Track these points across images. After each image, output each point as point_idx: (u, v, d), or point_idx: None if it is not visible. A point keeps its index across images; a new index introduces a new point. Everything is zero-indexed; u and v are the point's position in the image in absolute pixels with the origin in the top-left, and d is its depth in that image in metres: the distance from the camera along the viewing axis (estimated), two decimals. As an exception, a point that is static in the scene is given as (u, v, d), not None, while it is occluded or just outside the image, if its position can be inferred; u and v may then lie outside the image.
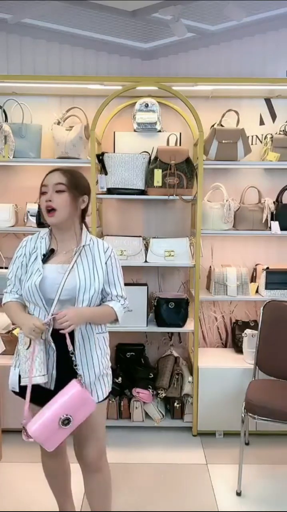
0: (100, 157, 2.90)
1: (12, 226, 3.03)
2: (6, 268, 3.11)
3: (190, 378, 3.02)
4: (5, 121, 2.98)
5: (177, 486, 2.52)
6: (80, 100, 3.14)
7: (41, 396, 1.80)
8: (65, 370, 1.79)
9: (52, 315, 1.76)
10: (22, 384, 1.80)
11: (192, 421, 3.02)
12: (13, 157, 2.90)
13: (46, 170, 3.26)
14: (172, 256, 2.93)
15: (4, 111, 3.00)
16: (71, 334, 1.77)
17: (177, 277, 3.34)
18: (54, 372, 1.81)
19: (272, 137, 2.99)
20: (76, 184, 1.82)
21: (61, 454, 2.03)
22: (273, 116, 3.21)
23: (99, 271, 1.83)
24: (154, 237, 3.01)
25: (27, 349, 1.78)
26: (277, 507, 2.36)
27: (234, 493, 2.46)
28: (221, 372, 2.94)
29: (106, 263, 1.86)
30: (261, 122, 3.22)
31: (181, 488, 2.51)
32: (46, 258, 1.82)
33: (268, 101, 3.20)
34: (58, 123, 3.01)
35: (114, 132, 3.16)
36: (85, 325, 1.81)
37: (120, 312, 1.90)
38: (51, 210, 1.79)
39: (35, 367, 1.75)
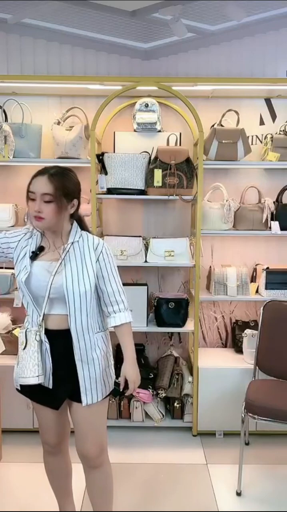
0: (100, 157, 2.90)
1: (12, 226, 3.03)
2: (7, 268, 3.12)
3: (190, 378, 3.02)
4: (5, 121, 2.98)
5: (177, 486, 2.52)
6: (80, 100, 3.14)
7: (40, 394, 1.84)
8: (62, 368, 1.81)
9: (117, 383, 1.88)
10: (19, 383, 1.83)
11: (192, 421, 3.02)
12: (13, 157, 2.90)
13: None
14: (172, 256, 2.93)
15: (4, 111, 3.00)
16: (68, 336, 1.78)
17: (177, 277, 3.34)
18: (51, 372, 1.81)
19: (272, 137, 2.99)
20: (64, 192, 1.78)
21: (63, 453, 2.04)
22: (273, 116, 3.21)
23: (89, 268, 1.81)
24: (154, 237, 3.01)
25: (23, 349, 1.79)
26: (277, 507, 2.36)
27: (234, 493, 2.46)
28: (221, 372, 2.94)
29: (97, 260, 1.83)
30: (261, 122, 3.22)
31: (181, 488, 2.51)
32: (35, 255, 1.81)
33: (268, 101, 3.20)
34: (58, 123, 3.01)
35: (114, 132, 3.16)
36: (82, 325, 1.80)
37: (129, 317, 1.89)
38: (38, 218, 1.77)
39: (29, 368, 1.77)
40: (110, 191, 2.95)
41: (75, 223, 1.89)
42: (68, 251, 1.81)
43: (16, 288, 3.04)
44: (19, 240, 1.88)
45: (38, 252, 1.82)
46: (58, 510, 2.13)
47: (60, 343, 1.80)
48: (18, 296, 2.97)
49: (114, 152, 3.13)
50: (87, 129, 2.93)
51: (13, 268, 3.09)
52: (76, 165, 3.10)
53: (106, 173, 2.91)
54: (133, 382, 1.86)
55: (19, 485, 2.52)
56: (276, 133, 3.04)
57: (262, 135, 3.20)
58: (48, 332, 1.80)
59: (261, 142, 3.20)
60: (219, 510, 2.34)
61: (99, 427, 1.91)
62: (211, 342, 3.38)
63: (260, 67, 3.16)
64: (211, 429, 3.01)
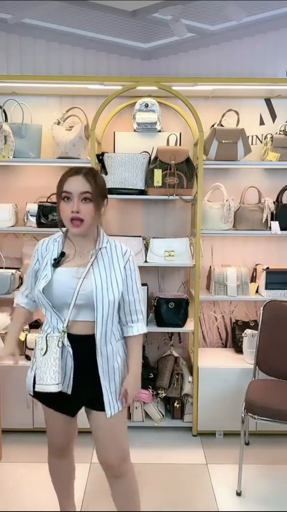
0: (100, 157, 2.90)
1: (12, 226, 3.03)
2: (7, 268, 3.12)
3: (190, 378, 3.02)
4: (5, 121, 2.98)
5: (177, 486, 2.52)
6: (80, 100, 3.14)
7: (57, 400, 1.78)
8: (83, 374, 1.76)
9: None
10: (36, 390, 1.75)
11: (192, 421, 3.02)
12: (13, 157, 2.90)
13: (46, 170, 3.30)
14: (172, 256, 2.93)
15: (4, 111, 3.00)
16: (91, 341, 1.73)
17: (177, 277, 3.34)
18: (72, 376, 1.76)
19: (272, 137, 2.99)
20: (100, 191, 1.73)
21: (67, 454, 2.01)
22: (273, 116, 3.21)
23: (117, 275, 1.76)
24: (154, 237, 3.01)
25: (43, 355, 1.72)
26: (277, 507, 2.36)
27: (234, 493, 2.46)
28: (221, 372, 2.94)
29: (125, 267, 1.78)
30: (261, 122, 3.22)
31: (181, 488, 2.51)
32: (57, 262, 1.75)
33: (268, 101, 3.20)
34: (58, 123, 3.01)
35: (114, 132, 3.16)
36: (106, 333, 1.75)
37: (145, 328, 1.86)
38: (77, 220, 1.69)
39: (49, 375, 1.70)
40: (110, 191, 2.93)
41: (100, 228, 1.83)
42: (96, 256, 1.75)
43: (17, 287, 3.04)
44: (37, 259, 1.83)
45: (60, 259, 1.76)
46: (58, 510, 2.12)
47: (83, 348, 1.74)
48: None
49: (114, 152, 3.13)
50: (87, 129, 2.93)
51: (13, 268, 3.14)
52: (76, 165, 3.09)
53: (106, 173, 2.91)
54: (132, 397, 1.83)
55: (19, 485, 2.52)
56: (276, 133, 3.04)
57: (262, 135, 3.20)
58: (70, 336, 1.74)
59: (261, 142, 3.20)
60: (219, 510, 2.34)
61: (121, 436, 1.86)
62: (211, 342, 3.38)
63: (260, 67, 3.16)
64: (211, 429, 3.01)
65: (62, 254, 1.77)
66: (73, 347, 1.74)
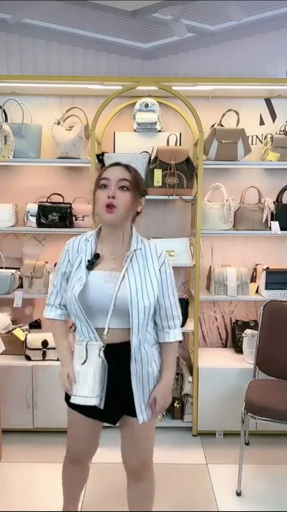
0: (100, 157, 2.90)
1: (12, 226, 3.03)
2: (7, 268, 3.12)
3: (190, 378, 3.02)
4: (5, 121, 2.98)
5: (177, 486, 2.52)
6: (80, 100, 3.14)
7: (96, 409, 1.68)
8: (118, 382, 1.68)
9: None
10: (72, 401, 1.65)
11: (192, 421, 3.02)
12: (13, 157, 2.90)
13: (46, 170, 3.30)
14: (172, 256, 2.93)
15: (4, 111, 3.00)
16: (123, 349, 1.65)
17: (177, 277, 3.34)
18: (105, 390, 1.67)
19: (272, 137, 2.99)
20: (139, 183, 1.68)
21: (85, 464, 1.95)
22: (273, 116, 3.21)
23: (152, 278, 1.66)
24: (154, 237, 3.01)
25: (82, 364, 1.61)
26: (277, 507, 2.36)
27: (234, 493, 2.46)
28: (221, 372, 2.94)
29: (160, 270, 1.69)
30: (261, 122, 3.22)
31: (181, 488, 2.51)
32: (91, 264, 1.64)
33: (268, 101, 3.20)
34: (58, 123, 3.01)
35: (114, 132, 3.16)
36: (141, 339, 1.66)
37: (181, 334, 1.78)
38: (111, 206, 1.61)
39: (89, 386, 1.60)
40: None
41: (134, 229, 1.74)
42: (131, 260, 1.66)
43: (17, 287, 3.04)
44: (68, 260, 1.72)
45: (94, 260, 1.66)
46: (58, 510, 2.12)
47: (117, 356, 1.65)
48: (18, 296, 2.97)
49: (114, 152, 3.12)
50: (87, 129, 2.93)
51: (13, 268, 3.14)
52: (76, 165, 3.11)
53: (106, 173, 2.90)
54: (161, 407, 1.74)
55: (19, 485, 2.52)
56: (276, 133, 3.04)
57: (262, 135, 3.19)
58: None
59: (261, 142, 3.20)
60: (219, 510, 2.34)
61: (147, 444, 1.84)
62: (211, 342, 3.38)
63: (260, 67, 3.16)
64: (211, 429, 3.01)
65: (97, 256, 1.67)
66: (106, 356, 1.64)
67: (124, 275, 1.63)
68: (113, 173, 1.64)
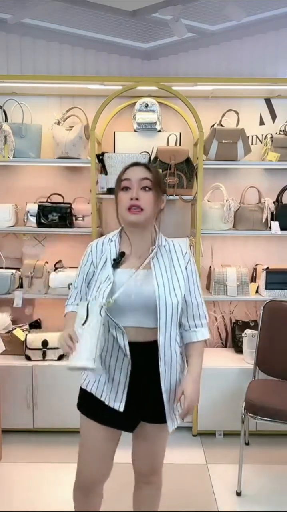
0: (100, 157, 2.90)
1: (12, 226, 3.03)
2: (7, 268, 3.12)
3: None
4: (5, 121, 2.98)
5: (177, 486, 2.52)
6: (80, 100, 3.14)
7: (111, 412, 1.62)
8: (141, 385, 1.62)
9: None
10: (70, 365, 1.49)
11: (192, 421, 3.01)
12: (13, 157, 2.90)
13: (46, 170, 3.30)
14: (172, 256, 2.92)
15: (4, 111, 3.00)
16: (148, 350, 1.61)
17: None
18: (126, 389, 1.60)
19: (272, 137, 2.99)
20: (160, 181, 1.65)
21: (97, 493, 1.80)
22: (273, 116, 3.21)
23: (179, 275, 1.64)
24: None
25: (82, 324, 1.50)
26: (277, 507, 2.36)
27: (234, 493, 2.46)
28: (221, 372, 2.94)
29: (186, 268, 1.67)
30: (261, 122, 3.22)
31: (181, 488, 2.51)
32: (117, 263, 1.62)
33: (268, 101, 3.20)
34: (58, 123, 3.01)
35: (114, 132, 3.16)
36: (170, 339, 1.62)
37: (208, 333, 1.73)
38: (135, 208, 1.58)
39: (86, 348, 1.46)
40: (110, 191, 2.94)
41: (158, 227, 1.72)
42: (156, 257, 1.64)
43: (17, 287, 3.05)
44: (91, 261, 1.69)
45: (120, 259, 1.63)
46: (58, 510, 2.11)
47: (140, 357, 1.60)
48: (18, 296, 2.97)
49: (114, 152, 3.12)
50: (87, 129, 2.93)
51: (13, 268, 3.14)
52: (76, 165, 3.11)
53: (106, 173, 2.91)
54: (191, 402, 1.63)
55: (19, 485, 2.52)
56: (276, 133, 3.04)
57: (262, 135, 3.19)
58: (129, 345, 1.59)
59: (261, 142, 3.20)
60: (219, 510, 2.34)
61: (160, 450, 1.81)
62: (211, 342, 3.38)
63: (260, 67, 3.16)
64: (211, 429, 3.01)
65: (122, 254, 1.64)
66: (136, 353, 1.59)
67: (151, 272, 1.61)
68: (134, 173, 1.62)
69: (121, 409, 1.61)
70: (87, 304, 1.53)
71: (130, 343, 1.58)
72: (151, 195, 1.61)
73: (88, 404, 1.69)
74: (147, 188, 1.60)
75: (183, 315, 1.69)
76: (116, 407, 1.61)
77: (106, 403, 1.62)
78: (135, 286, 1.58)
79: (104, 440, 1.70)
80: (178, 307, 1.63)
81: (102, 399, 1.63)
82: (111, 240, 1.69)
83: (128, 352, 1.58)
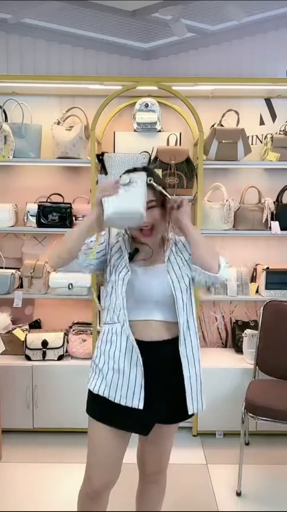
0: (100, 157, 2.90)
1: (12, 226, 3.03)
2: (7, 268, 3.12)
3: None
4: (5, 121, 2.98)
5: (177, 486, 2.52)
6: (80, 100, 3.14)
7: (127, 415, 1.61)
8: (156, 385, 1.62)
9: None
10: (110, 211, 1.48)
11: (192, 421, 3.01)
12: (13, 157, 2.90)
13: (46, 170, 3.29)
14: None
15: (4, 111, 3.00)
16: (169, 347, 1.63)
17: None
18: (143, 386, 1.59)
19: (272, 137, 2.99)
20: (163, 195, 1.64)
21: (103, 496, 1.76)
22: (273, 116, 3.21)
23: (186, 268, 1.68)
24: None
25: (124, 185, 1.50)
26: (277, 507, 2.36)
27: (234, 493, 2.46)
28: (221, 372, 2.93)
29: (187, 249, 1.71)
30: (261, 122, 3.22)
31: (181, 488, 2.51)
32: (131, 257, 1.66)
33: (268, 101, 3.20)
34: (58, 123, 3.01)
35: (114, 132, 3.16)
36: (187, 320, 1.65)
37: (224, 261, 1.71)
38: (146, 230, 1.62)
39: (139, 198, 1.49)
40: (110, 191, 2.94)
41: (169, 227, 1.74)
42: (170, 251, 1.70)
43: (17, 287, 3.05)
44: (108, 241, 1.72)
45: (135, 254, 1.67)
46: (58, 510, 2.12)
47: (158, 355, 1.63)
48: (18, 296, 2.97)
49: (114, 152, 3.12)
50: (87, 129, 2.93)
51: (13, 268, 3.14)
52: (76, 165, 3.11)
53: (106, 173, 2.91)
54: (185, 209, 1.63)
55: (19, 485, 2.52)
56: (276, 133, 3.04)
57: (262, 135, 3.19)
58: (142, 343, 1.61)
59: (261, 142, 3.20)
60: (219, 510, 2.34)
61: (166, 451, 1.82)
62: (211, 342, 3.38)
63: (260, 67, 3.16)
64: (211, 429, 3.01)
65: (137, 250, 1.68)
66: (148, 352, 1.60)
67: (164, 267, 1.66)
68: None
69: (141, 406, 1.59)
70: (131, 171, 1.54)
71: (141, 341, 1.60)
72: (158, 212, 1.63)
73: (100, 408, 1.66)
74: (152, 207, 1.62)
75: (196, 274, 1.68)
76: (135, 405, 1.59)
77: (123, 404, 1.60)
78: (149, 281, 1.63)
79: (116, 445, 1.68)
80: (187, 290, 1.66)
81: (117, 401, 1.61)
82: (120, 236, 1.73)
83: (137, 350, 1.59)
